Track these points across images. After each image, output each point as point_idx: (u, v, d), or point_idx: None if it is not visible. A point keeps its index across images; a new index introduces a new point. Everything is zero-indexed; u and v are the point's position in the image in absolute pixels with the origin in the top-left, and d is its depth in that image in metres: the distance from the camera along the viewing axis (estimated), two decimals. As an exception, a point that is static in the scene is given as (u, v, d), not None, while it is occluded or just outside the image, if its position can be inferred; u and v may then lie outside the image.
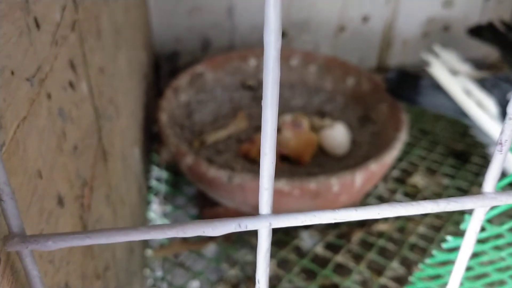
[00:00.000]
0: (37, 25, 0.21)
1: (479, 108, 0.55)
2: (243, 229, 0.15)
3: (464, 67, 0.60)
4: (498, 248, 0.29)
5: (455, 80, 0.56)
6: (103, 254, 0.31)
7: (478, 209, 0.17)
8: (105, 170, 0.34)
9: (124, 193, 0.41)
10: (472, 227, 0.17)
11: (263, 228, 0.15)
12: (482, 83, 0.55)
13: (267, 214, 0.15)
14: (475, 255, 0.30)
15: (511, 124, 0.15)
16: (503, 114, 0.53)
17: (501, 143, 0.16)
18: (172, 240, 0.61)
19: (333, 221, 0.16)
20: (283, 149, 0.60)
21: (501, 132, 0.16)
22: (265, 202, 0.15)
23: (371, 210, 0.16)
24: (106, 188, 0.34)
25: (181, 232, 0.15)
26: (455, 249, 0.28)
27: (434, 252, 0.28)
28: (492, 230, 0.26)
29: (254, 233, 0.63)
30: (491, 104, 0.54)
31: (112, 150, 0.37)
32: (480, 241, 0.28)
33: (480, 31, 0.79)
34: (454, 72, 0.58)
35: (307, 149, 0.60)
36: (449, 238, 0.26)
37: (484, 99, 0.55)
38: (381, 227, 0.63)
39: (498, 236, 0.28)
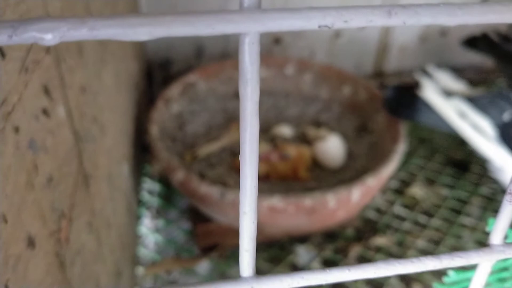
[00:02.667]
0: (2, 54, 0.19)
1: (475, 130, 0.53)
2: (221, 294, 0.13)
3: (458, 86, 0.59)
4: (502, 280, 0.27)
5: (448, 103, 0.54)
6: (84, 286, 0.30)
7: (484, 263, 0.15)
8: (87, 196, 0.32)
9: (110, 215, 0.40)
10: (478, 281, 0.16)
11: (246, 291, 0.14)
12: (477, 103, 0.54)
13: (248, 277, 0.13)
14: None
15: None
16: (501, 136, 0.52)
17: (510, 193, 0.14)
18: (164, 257, 0.59)
19: (324, 283, 0.14)
20: (273, 175, 0.58)
21: (510, 182, 0.14)
22: (246, 264, 0.13)
23: (366, 269, 0.14)
24: (88, 215, 0.32)
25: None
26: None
27: (434, 284, 0.27)
28: (496, 264, 0.24)
29: (249, 248, 0.61)
30: (487, 126, 0.53)
31: (96, 173, 0.35)
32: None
33: (475, 42, 0.78)
34: (448, 92, 0.57)
35: (299, 166, 0.59)
36: (450, 272, 0.25)
37: (479, 120, 0.53)
38: (380, 241, 0.61)
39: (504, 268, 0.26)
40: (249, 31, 0.10)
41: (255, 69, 0.10)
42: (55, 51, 0.27)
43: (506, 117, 0.50)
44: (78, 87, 0.32)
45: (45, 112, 0.25)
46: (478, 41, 0.75)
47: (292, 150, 0.59)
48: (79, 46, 0.33)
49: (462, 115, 0.54)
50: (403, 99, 0.58)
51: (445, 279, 0.25)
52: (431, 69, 0.61)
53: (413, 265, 0.14)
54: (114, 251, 0.40)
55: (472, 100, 0.54)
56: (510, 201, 0.14)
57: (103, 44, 0.43)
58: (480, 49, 0.75)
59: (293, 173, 0.59)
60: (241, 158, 0.12)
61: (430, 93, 0.55)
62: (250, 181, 0.12)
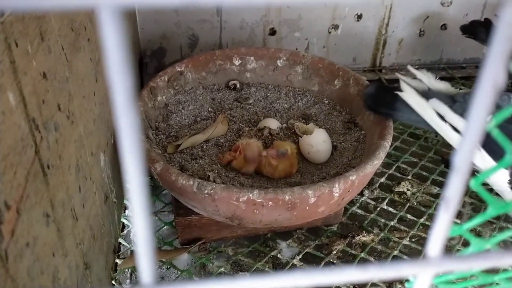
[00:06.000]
0: None
1: (455, 131, 0.52)
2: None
3: (442, 85, 0.57)
4: None
5: (429, 105, 0.53)
6: (34, 280, 0.28)
7: (422, 275, 0.14)
8: (45, 187, 0.31)
9: (78, 207, 0.38)
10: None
11: (146, 300, 0.12)
12: (459, 105, 0.52)
13: (147, 285, 0.12)
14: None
15: (460, 177, 0.12)
16: (483, 141, 0.50)
17: (448, 201, 0.12)
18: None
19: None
20: (272, 175, 0.56)
21: (448, 187, 0.12)
22: (144, 269, 0.12)
23: (284, 277, 0.13)
24: (45, 206, 0.31)
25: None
26: None
27: (398, 290, 0.25)
28: (460, 273, 0.23)
29: (233, 243, 0.60)
30: None
31: (59, 163, 0.34)
32: (452, 282, 0.25)
33: (475, 29, 0.75)
34: (433, 90, 0.55)
35: (294, 162, 0.57)
36: (411, 278, 0.23)
37: (459, 121, 0.52)
38: (364, 238, 0.60)
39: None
40: (105, 3, 0.08)
41: (121, 51, 0.09)
42: (3, 34, 0.25)
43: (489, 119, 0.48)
44: (37, 72, 0.31)
45: (-14, 98, 0.23)
46: (478, 28, 0.72)
47: (288, 147, 0.57)
48: (40, 30, 0.31)
49: (441, 117, 0.52)
50: (384, 97, 0.57)
51: (406, 285, 0.24)
52: (412, 69, 0.59)
53: (334, 275, 0.13)
54: (81, 243, 0.39)
55: (454, 101, 0.53)
56: (446, 209, 0.12)
57: (76, 29, 0.41)
58: (480, 37, 0.72)
59: (290, 170, 0.57)
60: (122, 153, 0.10)
61: (409, 96, 0.54)
62: (136, 183, 0.10)
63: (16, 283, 0.26)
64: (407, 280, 0.25)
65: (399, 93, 0.54)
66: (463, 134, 0.12)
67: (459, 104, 0.53)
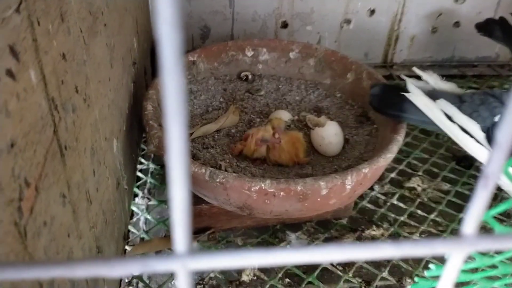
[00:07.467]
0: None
1: (464, 132, 0.51)
2: (150, 271, 0.12)
3: (448, 86, 0.56)
4: (490, 278, 0.25)
5: (436, 106, 0.52)
6: (50, 259, 0.28)
7: (456, 254, 0.13)
8: (62, 167, 0.31)
9: (92, 190, 0.39)
10: (448, 274, 0.14)
11: (179, 270, 0.12)
12: (467, 105, 0.52)
13: (182, 253, 0.12)
14: (465, 283, 0.26)
15: (501, 153, 0.12)
16: (489, 137, 0.49)
17: (487, 177, 0.12)
18: (152, 236, 0.58)
19: (263, 263, 0.12)
20: (279, 159, 0.56)
21: (488, 163, 0.12)
22: (179, 238, 0.12)
23: (317, 252, 0.12)
24: (62, 186, 0.31)
25: (70, 271, 0.12)
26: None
27: (416, 279, 0.25)
28: (482, 261, 0.22)
29: (242, 234, 0.60)
30: (475, 128, 0.51)
31: (76, 145, 0.34)
32: (470, 271, 0.25)
33: (490, 27, 0.74)
34: (436, 92, 0.54)
35: (297, 148, 0.57)
36: (432, 266, 0.23)
37: (467, 122, 0.51)
38: (374, 232, 0.60)
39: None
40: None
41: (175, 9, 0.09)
42: (27, 11, 0.25)
43: (498, 119, 0.48)
44: (57, 52, 0.31)
45: (10, 73, 0.23)
46: (493, 26, 0.71)
47: (282, 122, 0.58)
48: (60, 10, 0.31)
49: (449, 117, 0.52)
50: (390, 97, 0.56)
51: (426, 273, 0.24)
52: (418, 71, 0.59)
53: (368, 251, 0.12)
54: (94, 226, 0.39)
55: (462, 101, 0.52)
56: (485, 186, 0.12)
57: (94, 13, 0.41)
58: (496, 35, 0.71)
59: (295, 156, 0.57)
60: (166, 117, 0.10)
61: (416, 98, 0.53)
62: (178, 146, 0.10)
63: (34, 261, 0.26)
64: (426, 269, 0.25)
65: (405, 94, 0.54)
66: (508, 108, 0.11)
67: (467, 104, 0.53)
